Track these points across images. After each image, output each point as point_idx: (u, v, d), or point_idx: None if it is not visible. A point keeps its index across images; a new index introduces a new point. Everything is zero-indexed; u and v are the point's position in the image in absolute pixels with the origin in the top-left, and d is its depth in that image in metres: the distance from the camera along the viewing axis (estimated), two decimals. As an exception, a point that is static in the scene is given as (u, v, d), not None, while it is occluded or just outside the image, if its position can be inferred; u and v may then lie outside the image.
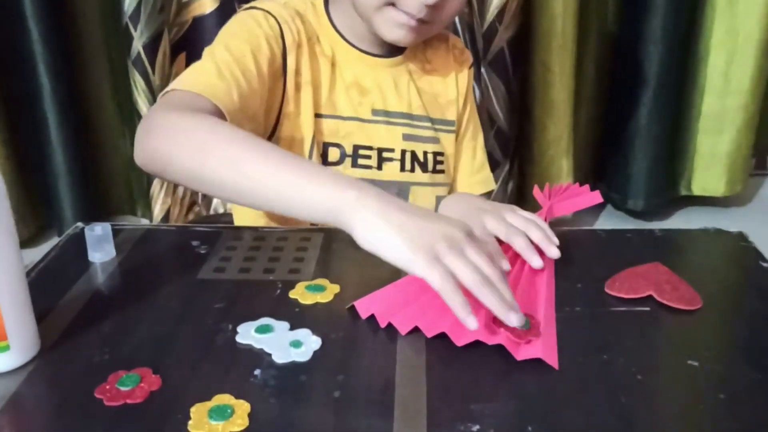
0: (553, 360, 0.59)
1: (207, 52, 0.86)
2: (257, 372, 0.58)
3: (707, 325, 0.65)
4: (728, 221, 1.78)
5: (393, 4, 0.87)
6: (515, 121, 1.69)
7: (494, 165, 1.63)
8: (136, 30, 1.51)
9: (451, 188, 1.06)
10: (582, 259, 0.76)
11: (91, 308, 0.68)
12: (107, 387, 0.56)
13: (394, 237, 0.59)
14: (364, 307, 0.66)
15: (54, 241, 1.69)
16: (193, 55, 1.51)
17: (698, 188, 1.79)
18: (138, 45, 1.51)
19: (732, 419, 0.52)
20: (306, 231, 0.83)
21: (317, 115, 0.92)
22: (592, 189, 0.84)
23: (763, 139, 1.85)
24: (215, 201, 1.78)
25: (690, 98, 1.73)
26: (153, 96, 1.55)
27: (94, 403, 0.54)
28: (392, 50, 0.97)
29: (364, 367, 0.59)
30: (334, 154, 0.94)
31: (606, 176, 1.81)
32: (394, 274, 0.72)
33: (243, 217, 1.01)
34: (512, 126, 1.67)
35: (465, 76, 1.05)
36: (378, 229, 0.60)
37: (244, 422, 0.52)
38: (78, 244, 0.79)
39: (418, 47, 1.01)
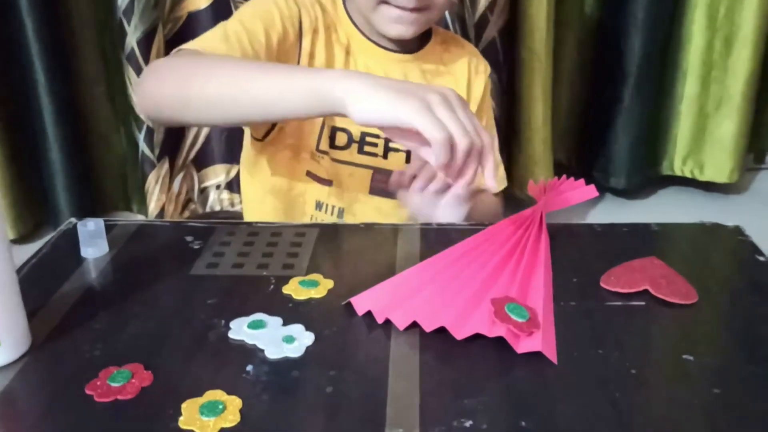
0: (552, 354, 0.58)
1: (220, 24, 0.89)
2: (249, 368, 0.57)
3: (703, 320, 0.65)
4: (713, 202, 1.80)
5: (386, 2, 0.89)
6: (507, 110, 1.69)
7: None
8: (129, 25, 1.50)
9: None
10: (577, 253, 0.76)
11: (84, 304, 0.68)
12: (98, 383, 0.55)
13: (385, 95, 0.60)
14: (361, 303, 0.65)
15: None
16: (188, 51, 1.50)
17: (680, 169, 1.81)
18: (132, 40, 1.51)
19: (726, 413, 0.52)
20: (300, 227, 0.83)
21: None
22: (576, 170, 0.83)
23: (762, 134, 1.85)
24: (211, 199, 1.77)
25: (672, 81, 1.74)
26: (148, 92, 1.54)
27: (85, 399, 0.54)
28: (406, 47, 0.99)
29: (357, 363, 0.58)
30: (341, 138, 0.96)
31: (589, 156, 1.82)
32: (389, 269, 0.72)
33: (254, 214, 1.02)
34: (504, 115, 1.67)
35: (480, 84, 1.05)
36: (368, 94, 0.61)
37: (236, 418, 0.52)
38: (71, 239, 0.78)
39: (435, 49, 1.02)
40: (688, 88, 1.73)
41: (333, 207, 0.99)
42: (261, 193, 1.02)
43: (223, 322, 0.64)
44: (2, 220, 0.58)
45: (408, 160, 0.99)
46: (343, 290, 0.69)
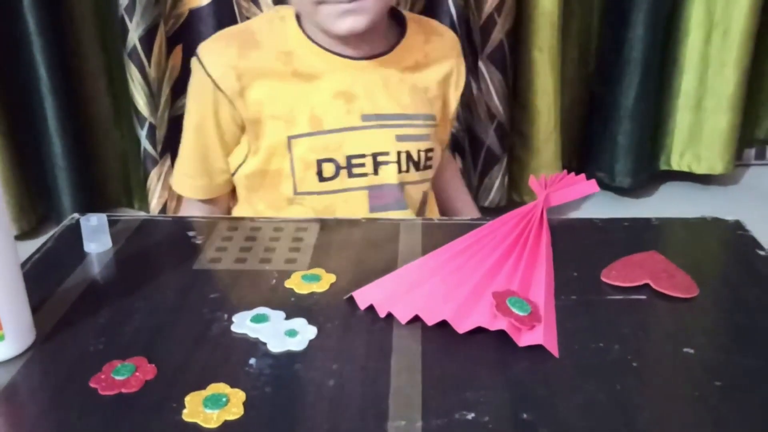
0: (553, 347, 0.59)
1: (183, 138, 0.99)
2: (252, 361, 0.58)
3: (703, 313, 0.65)
4: (712, 197, 1.79)
5: (322, 2, 0.86)
6: (513, 114, 1.69)
7: (494, 160, 1.63)
8: (131, 22, 1.50)
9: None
10: (578, 248, 0.76)
11: (87, 298, 0.68)
12: (102, 376, 0.56)
13: None
14: (363, 297, 0.66)
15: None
16: (190, 48, 1.50)
17: (677, 164, 1.81)
18: (134, 37, 1.51)
19: (727, 406, 0.52)
20: (302, 221, 0.83)
21: (296, 136, 0.92)
22: (579, 169, 0.83)
23: (760, 127, 1.85)
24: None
25: (670, 76, 1.74)
26: (149, 88, 1.54)
27: (89, 393, 0.54)
28: (381, 49, 0.95)
29: (359, 356, 0.58)
30: (329, 169, 0.93)
31: (592, 157, 1.82)
32: (391, 263, 0.72)
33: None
34: (510, 119, 1.67)
35: (461, 70, 1.03)
36: None
37: (239, 411, 0.52)
38: (74, 235, 0.79)
39: (416, 43, 0.98)
40: (686, 82, 1.74)
41: None
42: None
43: (225, 316, 0.64)
44: (5, 215, 0.58)
45: (399, 170, 0.95)
46: (345, 284, 0.69)
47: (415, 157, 0.97)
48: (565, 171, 0.86)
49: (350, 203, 0.95)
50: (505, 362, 0.57)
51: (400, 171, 0.96)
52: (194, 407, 0.52)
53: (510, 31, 1.56)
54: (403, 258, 0.74)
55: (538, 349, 0.58)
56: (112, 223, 0.81)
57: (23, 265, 0.73)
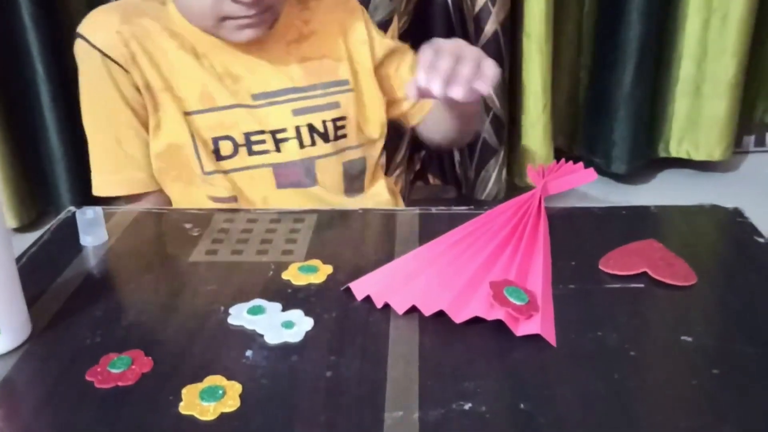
0: (551, 337, 0.58)
1: (89, 138, 0.95)
2: (249, 353, 0.58)
3: (701, 301, 0.65)
4: (711, 184, 1.79)
5: (227, 18, 0.86)
6: (509, 104, 1.68)
7: (491, 154, 1.62)
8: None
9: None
10: (576, 237, 0.76)
11: (83, 292, 0.68)
12: (98, 369, 0.56)
13: None
14: (360, 288, 0.66)
15: (50, 227, 1.70)
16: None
17: (675, 150, 1.80)
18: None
19: (725, 394, 0.52)
20: (299, 212, 0.83)
21: (190, 113, 0.91)
22: (575, 156, 0.83)
23: (759, 115, 1.85)
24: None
25: (668, 63, 1.74)
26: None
27: (86, 386, 0.54)
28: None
29: (356, 347, 0.58)
30: (226, 147, 0.92)
31: (588, 142, 1.82)
32: (388, 254, 0.72)
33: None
34: (505, 110, 1.66)
35: (360, 24, 1.00)
36: None
37: (236, 403, 0.52)
38: (70, 228, 0.79)
39: (291, 14, 0.97)
40: (684, 69, 1.73)
41: None
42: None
43: (222, 308, 0.64)
44: (1, 210, 0.58)
45: (301, 145, 0.94)
46: (342, 275, 0.69)
47: (321, 129, 0.95)
48: (563, 160, 0.85)
49: (256, 181, 0.94)
50: (502, 352, 0.57)
51: (302, 146, 0.95)
52: (191, 399, 0.52)
53: (504, 21, 1.55)
54: (400, 248, 0.73)
55: (536, 338, 0.58)
56: (107, 216, 0.81)
57: (19, 258, 0.73)
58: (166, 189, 0.96)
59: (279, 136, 0.94)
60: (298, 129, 0.94)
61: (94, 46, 0.89)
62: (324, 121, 0.95)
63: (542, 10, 1.57)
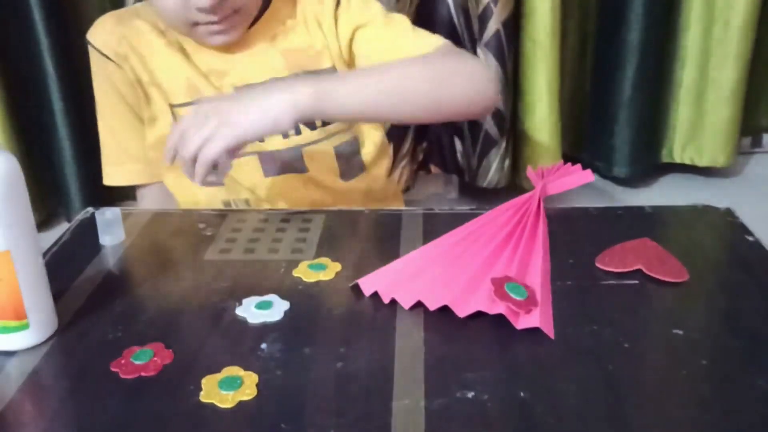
0: (549, 330, 0.61)
1: (100, 132, 1.03)
2: (264, 346, 0.61)
3: (692, 297, 0.68)
4: (712, 187, 1.81)
5: (197, 24, 0.89)
6: (511, 99, 1.71)
7: (492, 144, 1.65)
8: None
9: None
10: (573, 236, 0.79)
11: (104, 289, 0.71)
12: (122, 361, 0.59)
13: None
14: (367, 284, 0.69)
15: (63, 226, 1.72)
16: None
17: (679, 156, 1.82)
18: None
19: (712, 383, 0.55)
20: (308, 213, 0.86)
21: (176, 105, 0.96)
22: (578, 160, 0.86)
23: (756, 117, 1.86)
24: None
25: (671, 68, 1.75)
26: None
27: (111, 377, 0.57)
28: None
29: (365, 340, 0.61)
30: None
31: (590, 145, 1.84)
32: (393, 252, 0.75)
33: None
34: (508, 105, 1.69)
35: (330, 12, 0.98)
36: None
37: (253, 392, 0.55)
38: (89, 228, 0.82)
39: (283, 9, 0.98)
40: (687, 75, 1.75)
41: (236, 202, 1.00)
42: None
43: (236, 304, 0.67)
44: (30, 209, 0.61)
45: (285, 135, 0.96)
46: (350, 273, 0.72)
47: None
48: (562, 161, 0.88)
49: (244, 169, 0.97)
50: (503, 344, 0.60)
51: (285, 136, 0.96)
52: (210, 389, 0.55)
53: (507, 20, 1.58)
54: (406, 247, 0.76)
55: (535, 331, 0.61)
56: (124, 216, 0.84)
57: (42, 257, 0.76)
58: (162, 178, 1.03)
59: None
60: None
61: (95, 48, 0.97)
62: None
63: (548, 14, 1.59)
